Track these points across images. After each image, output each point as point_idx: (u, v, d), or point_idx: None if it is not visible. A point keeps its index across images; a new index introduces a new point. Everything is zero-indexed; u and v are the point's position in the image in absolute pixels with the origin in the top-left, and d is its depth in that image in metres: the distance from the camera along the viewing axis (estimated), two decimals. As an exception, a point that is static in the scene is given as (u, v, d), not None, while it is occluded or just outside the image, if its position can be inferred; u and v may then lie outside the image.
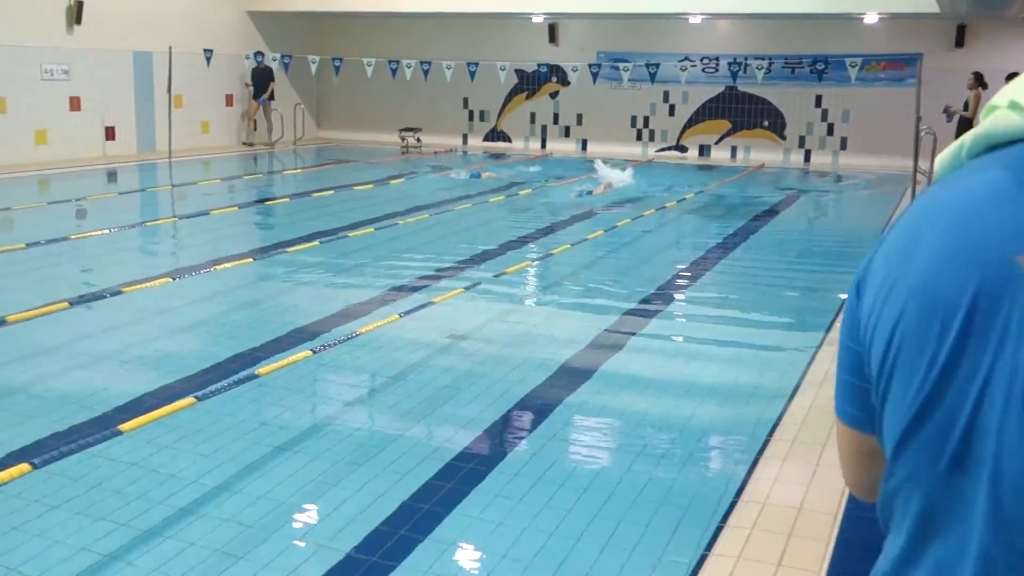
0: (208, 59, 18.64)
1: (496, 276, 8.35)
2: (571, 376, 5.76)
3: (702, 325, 7.11)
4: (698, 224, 12.04)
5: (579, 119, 21.31)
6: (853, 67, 17.54)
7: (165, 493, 4.12)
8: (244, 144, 20.09)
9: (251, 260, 8.87)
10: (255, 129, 20.36)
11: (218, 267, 8.48)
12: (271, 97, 20.02)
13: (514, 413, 5.16)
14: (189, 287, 7.93)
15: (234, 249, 9.49)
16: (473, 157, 20.28)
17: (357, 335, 6.29)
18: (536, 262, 9.20)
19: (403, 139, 21.34)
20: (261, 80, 20.02)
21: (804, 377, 5.74)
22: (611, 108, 20.92)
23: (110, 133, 17.55)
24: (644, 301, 7.68)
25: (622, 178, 14.81)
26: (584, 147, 21.32)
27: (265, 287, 8.11)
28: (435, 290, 7.83)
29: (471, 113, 22.22)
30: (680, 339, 6.81)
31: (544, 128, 21.67)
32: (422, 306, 7.12)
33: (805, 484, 4.16)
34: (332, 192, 13.83)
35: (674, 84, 20.00)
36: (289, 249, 9.39)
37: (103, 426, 4.69)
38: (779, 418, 5.05)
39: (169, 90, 17.21)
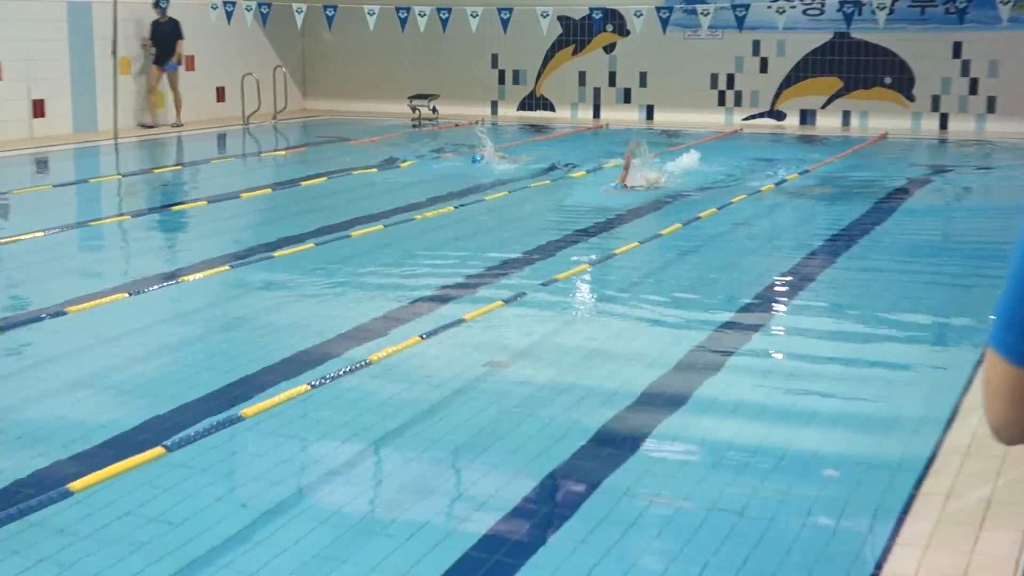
0: (163, 9, 18.87)
1: (544, 284, 8.36)
2: (647, 412, 5.75)
3: (816, 342, 7.07)
4: (803, 214, 11.99)
5: (643, 79, 21.30)
6: (1004, 3, 17.38)
7: (128, 572, 4.15)
8: (143, 126, 19.20)
9: (227, 268, 8.95)
10: (159, 106, 19.65)
11: (186, 278, 8.57)
12: (179, 62, 19.41)
13: (576, 461, 5.15)
14: (150, 304, 8.01)
15: (205, 254, 9.58)
16: (506, 130, 20.32)
17: (367, 364, 6.32)
18: (595, 265, 9.21)
19: (415, 109, 21.44)
20: (165, 39, 19.29)
21: (959, 406, 5.69)
22: (685, 64, 20.89)
23: (39, 108, 17.80)
24: (738, 314, 7.66)
25: (685, 164, 14.50)
26: (650, 116, 21.29)
27: (247, 303, 8.18)
28: (466, 303, 7.86)
29: (502, 74, 22.29)
30: (788, 360, 6.78)
31: (597, 92, 21.69)
32: (451, 324, 7.14)
33: (967, 551, 4.12)
34: (326, 179, 13.91)
35: (768, 31, 19.95)
36: (276, 253, 9.46)
37: (47, 485, 4.74)
38: (930, 459, 5.00)
39: (114, 52, 17.42)
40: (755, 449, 5.30)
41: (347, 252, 9.74)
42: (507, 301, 7.81)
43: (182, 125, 19.45)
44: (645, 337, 7.23)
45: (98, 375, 6.45)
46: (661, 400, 5.98)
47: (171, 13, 19.27)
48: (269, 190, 13.35)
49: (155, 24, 19.29)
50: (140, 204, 12.77)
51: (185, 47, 20.24)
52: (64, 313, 7.50)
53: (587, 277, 8.95)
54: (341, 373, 6.15)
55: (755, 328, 7.37)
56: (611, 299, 8.23)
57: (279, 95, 21.23)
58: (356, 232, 10.40)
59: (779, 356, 6.94)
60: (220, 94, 21.22)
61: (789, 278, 8.82)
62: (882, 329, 7.36)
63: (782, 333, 7.43)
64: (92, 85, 18.47)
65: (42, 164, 15.62)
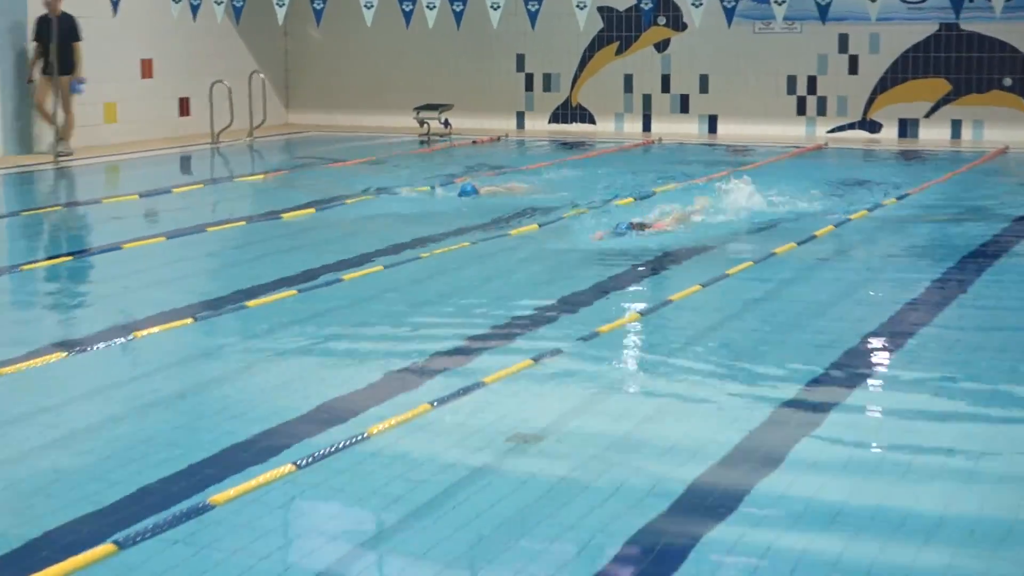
0: (115, 5, 19.05)
1: (584, 339, 8.36)
2: (706, 502, 5.71)
3: (915, 422, 6.98)
4: (903, 250, 11.94)
5: (704, 84, 21.37)
6: None
7: None
8: (59, 155, 18.19)
9: (190, 321, 8.99)
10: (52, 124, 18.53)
11: (139, 333, 8.60)
12: (77, 75, 18.52)
13: (619, 564, 5.13)
14: (95, 365, 8.03)
15: (163, 304, 9.60)
16: (534, 148, 20.37)
17: (365, 438, 6.30)
18: (646, 315, 9.20)
19: (423, 123, 21.56)
20: (58, 40, 18.30)
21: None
22: (756, 65, 20.95)
23: (-36, 125, 18.00)
24: (819, 380, 7.62)
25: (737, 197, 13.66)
26: (712, 128, 21.34)
27: (215, 364, 8.18)
28: (485, 363, 7.86)
29: (530, 79, 22.40)
30: (880, 442, 6.71)
31: (648, 100, 21.77)
32: (466, 390, 7.13)
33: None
34: (314, 211, 14.00)
35: (857, 23, 19.99)
36: (249, 303, 9.49)
37: (-30, 591, 4.75)
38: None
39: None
40: (840, 553, 5.27)
41: (338, 300, 9.78)
42: (537, 360, 7.79)
43: (71, 153, 18.65)
44: (710, 403, 7.21)
45: (30, 453, 6.44)
46: (732, 483, 5.94)
47: (127, 14, 19.30)
48: (243, 223, 13.41)
49: (41, 21, 18.37)
50: (85, 241, 12.84)
51: (140, 50, 20.42)
52: (-9, 377, 7.56)
53: (637, 329, 8.95)
54: (333, 450, 6.12)
55: (844, 394, 7.33)
56: (668, 356, 8.20)
57: (256, 107, 21.38)
58: (349, 275, 10.43)
59: (873, 433, 6.90)
60: (183, 106, 21.42)
61: (885, 334, 8.75)
62: (996, 406, 7.26)
63: (869, 408, 7.34)
64: (26, 97, 18.63)
65: (-34, 193, 15.78)
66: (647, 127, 21.73)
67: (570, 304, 9.54)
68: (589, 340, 8.35)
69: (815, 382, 7.56)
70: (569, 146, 20.30)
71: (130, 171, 17.94)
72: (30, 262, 11.43)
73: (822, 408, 7.09)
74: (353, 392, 7.37)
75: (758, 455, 6.32)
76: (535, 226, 12.72)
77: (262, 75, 21.87)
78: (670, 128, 21.41)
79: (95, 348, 8.27)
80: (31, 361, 7.83)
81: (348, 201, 14.56)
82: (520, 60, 22.29)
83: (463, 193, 14.76)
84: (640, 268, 10.92)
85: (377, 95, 22.99)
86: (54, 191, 16.19)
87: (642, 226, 12.28)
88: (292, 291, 9.86)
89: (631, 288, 10.24)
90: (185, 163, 18.98)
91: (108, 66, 19.86)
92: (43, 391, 7.48)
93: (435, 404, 6.84)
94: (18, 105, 18.53)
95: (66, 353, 8.07)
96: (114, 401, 7.40)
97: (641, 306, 9.52)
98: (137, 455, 6.38)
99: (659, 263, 11.13)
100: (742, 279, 10.28)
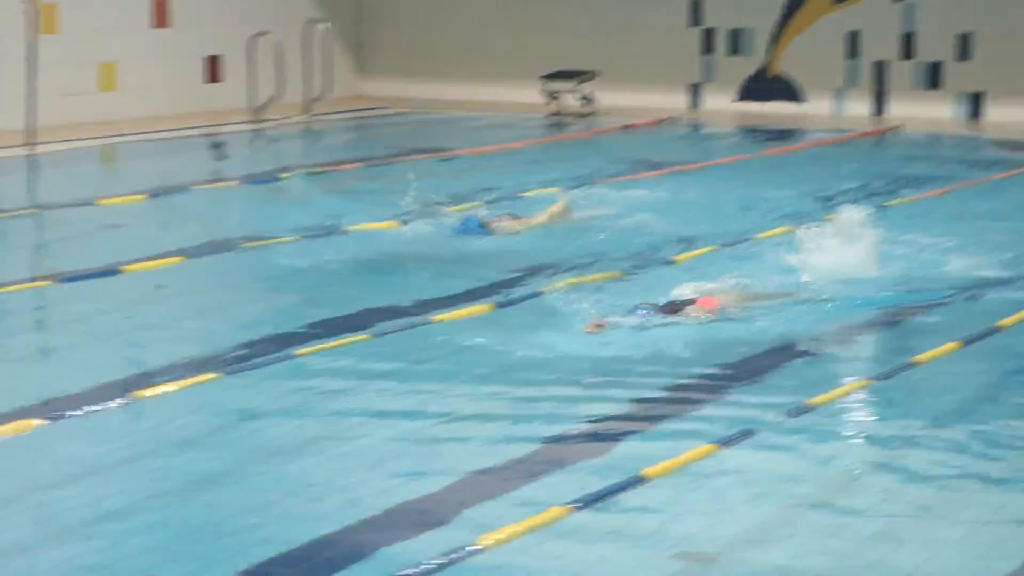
0: None
1: (791, 414, 8.31)
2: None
3: None
4: None
5: (963, 47, 21.16)
6: None
7: None
8: None
9: (219, 376, 9.05)
10: None
11: (143, 393, 8.66)
12: None
13: None
14: (84, 437, 8.05)
15: (181, 351, 9.67)
16: (713, 136, 20.32)
17: (474, 552, 6.25)
18: (881, 381, 9.12)
19: (552, 97, 21.58)
20: None
21: None
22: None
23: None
24: None
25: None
26: (975, 112, 21.11)
27: (252, 437, 8.18)
28: (643, 449, 7.81)
29: (709, 37, 22.36)
30: None
31: (881, 69, 21.61)
32: (620, 488, 7.10)
33: None
34: (396, 225, 14.06)
35: None
36: (301, 350, 9.56)
37: None
38: None
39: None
40: None
41: (428, 348, 9.88)
42: (721, 444, 7.74)
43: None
44: (977, 512, 7.07)
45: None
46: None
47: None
48: (296, 239, 13.41)
49: None
50: (69, 261, 12.89)
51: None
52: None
53: (868, 402, 8.90)
54: (429, 569, 6.05)
55: None
56: (914, 442, 8.10)
57: (317, 71, 21.50)
58: (443, 315, 10.52)
59: None
60: (212, 69, 21.61)
61: None
62: None
63: None
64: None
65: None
66: (880, 109, 21.56)
67: (763, 364, 9.50)
68: (796, 417, 8.28)
69: None
70: (764, 135, 20.22)
71: (135, 159, 18.12)
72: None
73: None
74: (454, 484, 7.31)
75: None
76: (715, 247, 12.65)
77: (326, 26, 21.94)
78: (915, 110, 21.20)
79: (83, 413, 8.28)
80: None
81: (448, 209, 14.52)
82: (695, 9, 22.25)
83: (465, 230, 13.85)
84: (878, 314, 10.85)
85: (487, 57, 23.04)
86: (16, 185, 16.37)
87: (675, 308, 10.44)
88: (364, 335, 9.92)
89: (855, 342, 10.18)
90: (215, 149, 19.14)
91: (105, 11, 20.10)
92: (16, 471, 7.51)
93: (576, 507, 6.77)
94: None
95: (45, 421, 8.08)
96: (105, 486, 7.37)
97: (873, 369, 9.39)
98: (147, 566, 6.37)
99: (905, 306, 11.01)
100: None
